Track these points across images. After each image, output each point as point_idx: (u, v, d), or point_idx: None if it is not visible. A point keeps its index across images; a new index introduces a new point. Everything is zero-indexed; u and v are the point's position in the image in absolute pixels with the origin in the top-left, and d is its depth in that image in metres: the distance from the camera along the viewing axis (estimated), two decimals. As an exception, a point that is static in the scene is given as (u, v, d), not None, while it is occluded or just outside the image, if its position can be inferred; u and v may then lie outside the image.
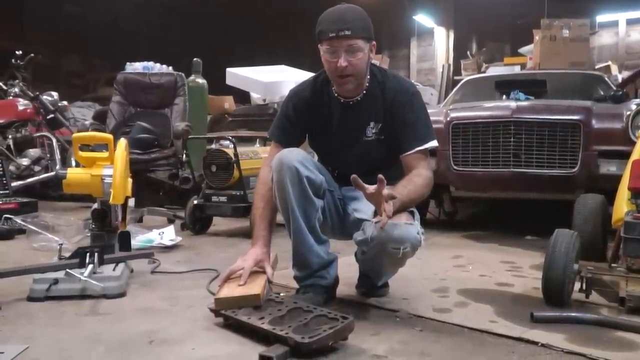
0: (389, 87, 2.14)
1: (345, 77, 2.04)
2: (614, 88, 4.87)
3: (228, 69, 7.09)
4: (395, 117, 2.11)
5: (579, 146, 3.65)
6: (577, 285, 2.20)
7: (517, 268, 2.92)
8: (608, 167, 3.61)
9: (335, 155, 2.24)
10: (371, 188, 1.78)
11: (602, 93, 4.78)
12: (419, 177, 2.01)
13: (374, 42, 2.09)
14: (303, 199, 1.99)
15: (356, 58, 2.01)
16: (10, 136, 5.41)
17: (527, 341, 1.79)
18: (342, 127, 2.18)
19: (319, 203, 2.03)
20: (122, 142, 2.56)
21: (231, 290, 1.95)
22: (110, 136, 2.63)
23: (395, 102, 2.12)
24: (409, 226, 1.89)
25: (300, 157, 2.00)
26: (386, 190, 1.77)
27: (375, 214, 1.94)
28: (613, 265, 2.62)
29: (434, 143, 2.11)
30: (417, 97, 2.17)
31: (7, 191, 4.35)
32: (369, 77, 2.16)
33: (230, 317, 1.87)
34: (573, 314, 2.00)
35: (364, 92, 2.15)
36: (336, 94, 2.17)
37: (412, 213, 1.98)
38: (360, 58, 2.02)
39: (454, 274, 2.79)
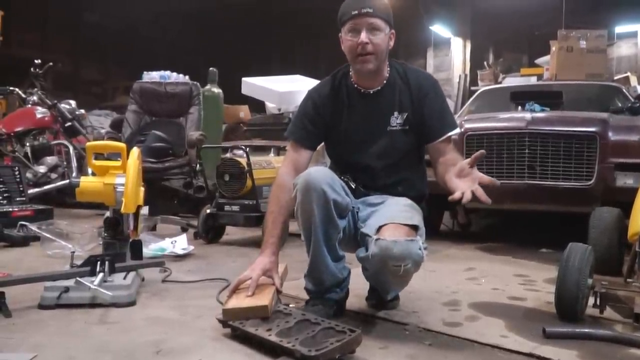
0: (412, 77, 2.18)
1: (366, 55, 2.05)
2: (632, 99, 4.81)
3: (244, 79, 7.13)
4: (424, 104, 2.14)
5: (595, 158, 3.61)
6: (591, 301, 2.16)
7: (531, 282, 2.88)
8: (625, 180, 3.56)
9: (358, 149, 2.21)
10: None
11: (619, 105, 4.73)
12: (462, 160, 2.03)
13: (393, 31, 2.12)
14: (327, 222, 1.96)
15: (377, 37, 2.04)
16: (27, 144, 5.49)
17: (539, 357, 1.76)
18: (365, 118, 2.18)
19: (341, 224, 2.01)
20: (135, 151, 2.58)
21: (239, 301, 1.94)
22: (123, 145, 2.65)
23: (422, 89, 2.15)
24: (409, 242, 1.86)
25: (328, 179, 1.97)
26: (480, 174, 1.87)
27: (378, 230, 1.93)
28: (628, 280, 2.57)
29: (459, 130, 2.19)
30: (439, 85, 2.24)
31: (24, 198, 4.41)
32: (388, 69, 2.18)
33: (238, 328, 1.86)
34: (586, 330, 1.97)
35: (385, 82, 2.17)
36: (355, 85, 2.19)
37: (415, 228, 1.96)
38: (381, 38, 2.05)
39: (466, 286, 2.75)
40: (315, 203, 1.94)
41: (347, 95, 2.21)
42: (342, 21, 2.09)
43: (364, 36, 2.02)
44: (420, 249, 1.88)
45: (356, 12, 2.03)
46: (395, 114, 2.16)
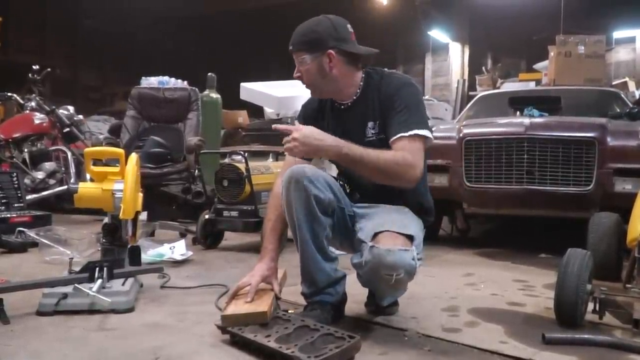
0: (385, 82, 2.17)
1: (307, 85, 2.16)
2: (630, 105, 4.82)
3: (242, 84, 7.14)
4: (387, 106, 2.11)
5: (593, 164, 3.60)
6: (590, 306, 2.16)
7: (530, 287, 2.88)
8: (623, 185, 3.56)
9: None
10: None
11: (618, 110, 4.73)
12: (396, 153, 1.97)
13: (328, 51, 2.08)
14: (310, 217, 1.98)
15: (304, 69, 2.13)
16: (26, 149, 5.47)
17: (538, 363, 1.76)
18: (344, 132, 2.16)
19: (327, 221, 2.02)
20: (133, 157, 2.58)
21: (238, 307, 1.94)
22: (121, 151, 2.65)
23: (387, 92, 2.13)
24: (403, 252, 1.87)
25: (309, 175, 1.98)
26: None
27: (374, 236, 1.93)
28: (628, 285, 2.57)
29: (423, 132, 2.01)
30: (409, 87, 2.13)
31: (22, 204, 4.40)
32: (362, 82, 2.18)
33: (236, 334, 1.86)
34: (586, 336, 1.97)
35: (356, 95, 2.18)
36: (334, 101, 2.23)
37: (410, 238, 1.95)
38: (306, 69, 2.12)
39: (464, 292, 2.75)
40: (296, 198, 1.97)
41: (330, 109, 2.26)
42: None
43: (295, 72, 2.15)
44: (413, 259, 1.88)
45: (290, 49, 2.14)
46: (370, 124, 2.15)
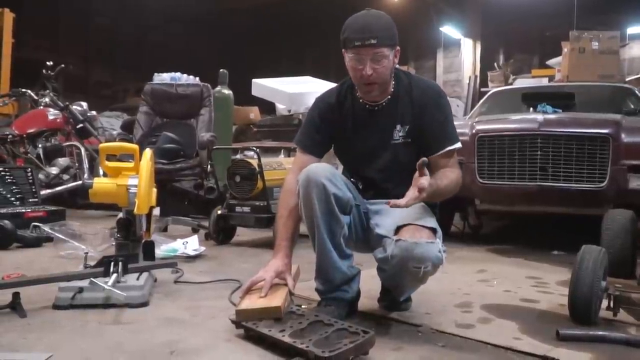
0: (416, 88, 2.15)
1: (371, 84, 2.05)
2: (645, 101, 4.78)
3: (254, 80, 7.16)
4: (424, 115, 2.11)
5: (607, 160, 3.58)
6: (604, 303, 2.15)
7: (543, 284, 2.87)
8: (638, 182, 3.53)
9: (362, 162, 2.22)
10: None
11: (632, 106, 4.70)
12: (452, 173, 2.04)
13: (398, 48, 2.09)
14: (329, 216, 1.98)
15: (381, 66, 2.02)
16: (40, 145, 5.53)
17: (553, 360, 1.75)
18: (369, 133, 2.18)
19: (344, 219, 2.02)
20: (148, 152, 2.59)
21: (252, 302, 1.95)
22: (136, 146, 2.66)
23: (423, 100, 2.12)
24: (430, 245, 1.87)
25: (328, 174, 1.98)
26: (423, 181, 1.81)
27: (396, 231, 1.93)
28: (642, 282, 2.56)
29: (459, 145, 2.13)
30: (444, 97, 2.18)
31: (37, 199, 4.44)
32: (394, 82, 2.16)
33: (251, 328, 1.86)
34: (600, 333, 1.96)
35: (389, 96, 2.15)
36: (361, 100, 2.18)
37: (434, 230, 1.95)
38: (385, 65, 2.03)
39: (478, 288, 2.75)
40: (315, 197, 1.96)
41: (352, 108, 2.20)
42: (345, 45, 2.05)
43: (368, 69, 2.00)
44: (439, 251, 1.88)
45: (360, 43, 1.98)
46: (398, 127, 2.14)
